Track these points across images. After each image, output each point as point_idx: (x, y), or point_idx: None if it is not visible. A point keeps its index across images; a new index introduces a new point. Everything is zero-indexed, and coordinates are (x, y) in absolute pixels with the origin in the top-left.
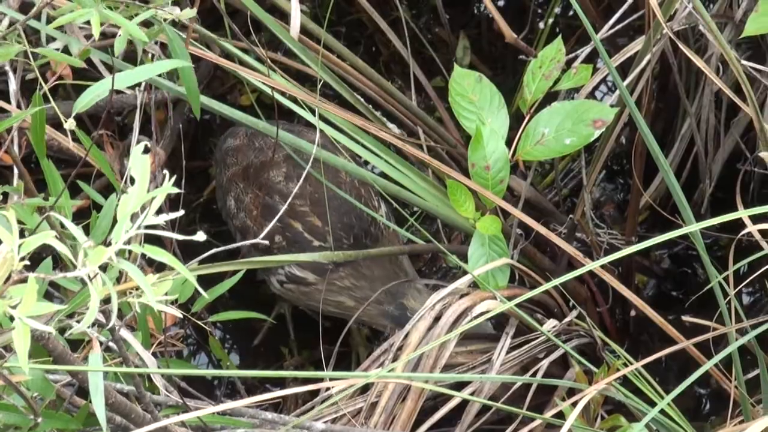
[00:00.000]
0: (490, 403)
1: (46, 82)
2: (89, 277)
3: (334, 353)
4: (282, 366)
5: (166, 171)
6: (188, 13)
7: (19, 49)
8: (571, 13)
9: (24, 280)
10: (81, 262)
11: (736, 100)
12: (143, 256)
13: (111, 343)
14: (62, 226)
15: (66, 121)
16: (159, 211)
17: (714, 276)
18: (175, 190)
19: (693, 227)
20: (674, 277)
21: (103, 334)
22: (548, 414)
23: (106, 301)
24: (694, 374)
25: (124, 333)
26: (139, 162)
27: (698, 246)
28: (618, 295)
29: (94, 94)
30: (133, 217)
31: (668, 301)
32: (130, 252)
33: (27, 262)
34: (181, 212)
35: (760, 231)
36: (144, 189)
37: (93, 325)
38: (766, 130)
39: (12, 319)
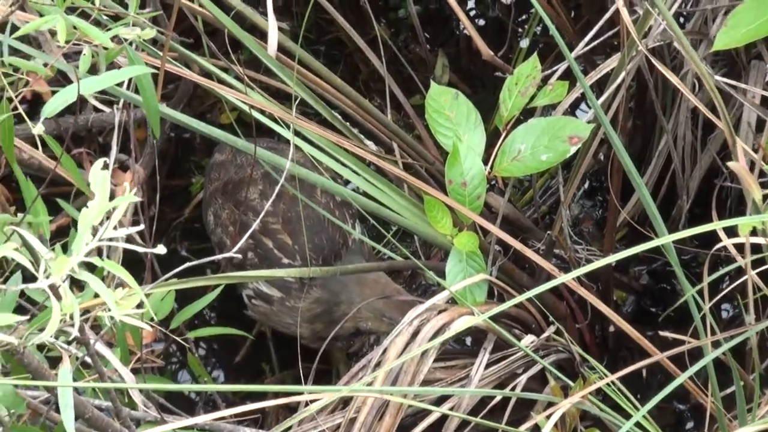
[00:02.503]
0: (468, 417)
1: (22, 101)
2: (51, 288)
3: (312, 370)
4: (263, 383)
5: (128, 184)
6: (148, 34)
7: None
8: (550, 32)
9: None
10: (43, 273)
11: (710, 116)
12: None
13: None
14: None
15: (34, 126)
16: (135, 224)
17: (688, 289)
18: (136, 199)
19: (664, 239)
20: (653, 293)
21: (81, 351)
22: (524, 427)
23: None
24: (668, 387)
25: (101, 348)
26: (99, 176)
27: (671, 260)
28: (597, 311)
29: (62, 99)
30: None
31: (648, 317)
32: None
33: None
34: (142, 226)
35: (735, 245)
36: (105, 200)
37: (71, 342)
38: (739, 146)
39: None
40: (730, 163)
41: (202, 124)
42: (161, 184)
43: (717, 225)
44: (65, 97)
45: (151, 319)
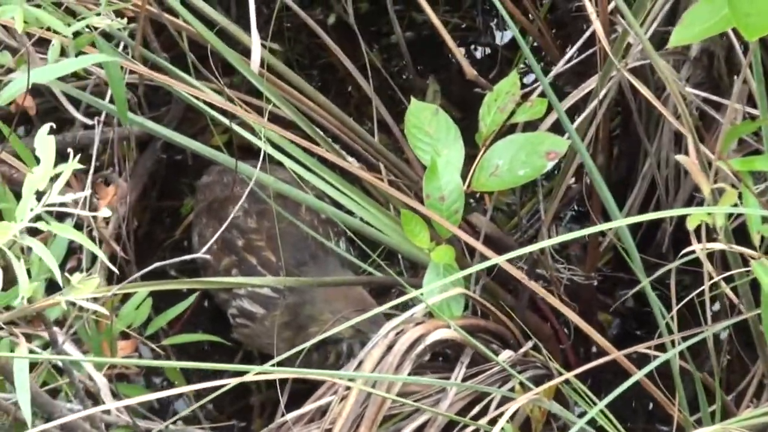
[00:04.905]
0: (451, 416)
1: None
2: None
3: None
4: (249, 402)
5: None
6: (116, 24)
7: None
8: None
9: None
10: None
11: (678, 125)
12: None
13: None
14: None
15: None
16: (118, 238)
17: (645, 283)
18: (80, 167)
19: (618, 223)
20: (638, 317)
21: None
22: (484, 420)
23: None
24: (627, 382)
25: (71, 349)
26: (44, 140)
27: (626, 242)
28: (581, 333)
29: (18, 86)
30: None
31: (633, 341)
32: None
33: None
34: (88, 192)
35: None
36: (49, 167)
37: (46, 347)
38: (691, 143)
39: None
40: (678, 156)
41: (190, 140)
42: (152, 205)
43: (668, 213)
44: (21, 84)
45: (128, 327)
